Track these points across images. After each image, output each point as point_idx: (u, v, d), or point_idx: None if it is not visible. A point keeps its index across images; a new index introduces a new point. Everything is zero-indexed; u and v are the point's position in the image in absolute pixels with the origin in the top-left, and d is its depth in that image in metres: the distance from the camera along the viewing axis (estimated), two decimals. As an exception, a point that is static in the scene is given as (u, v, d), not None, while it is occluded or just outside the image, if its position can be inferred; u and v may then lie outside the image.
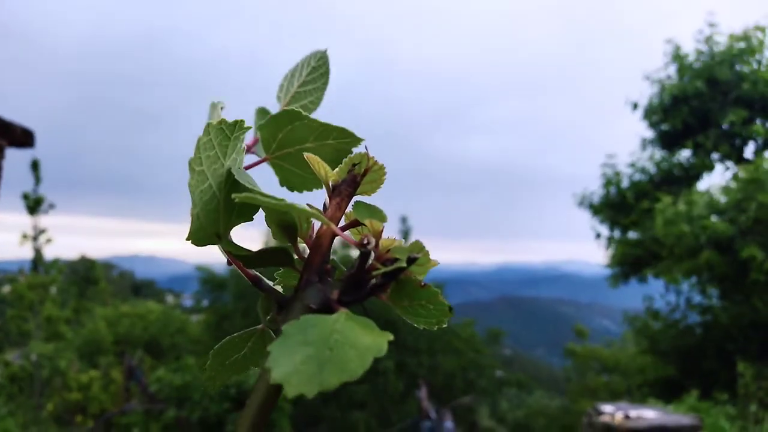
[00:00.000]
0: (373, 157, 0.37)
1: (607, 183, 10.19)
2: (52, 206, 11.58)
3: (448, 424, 6.41)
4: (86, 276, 17.19)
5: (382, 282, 0.35)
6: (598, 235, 10.32)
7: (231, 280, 10.76)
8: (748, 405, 5.72)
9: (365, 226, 0.35)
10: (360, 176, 0.37)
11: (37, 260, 11.41)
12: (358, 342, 0.28)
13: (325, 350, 0.27)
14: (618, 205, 9.99)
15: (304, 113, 0.39)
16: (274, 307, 0.38)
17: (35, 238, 11.41)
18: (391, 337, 0.29)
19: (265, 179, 0.38)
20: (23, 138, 3.92)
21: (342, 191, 0.36)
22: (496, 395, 14.46)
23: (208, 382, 0.42)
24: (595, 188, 10.51)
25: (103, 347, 10.69)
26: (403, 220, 15.49)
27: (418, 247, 0.34)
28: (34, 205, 11.39)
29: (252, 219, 0.38)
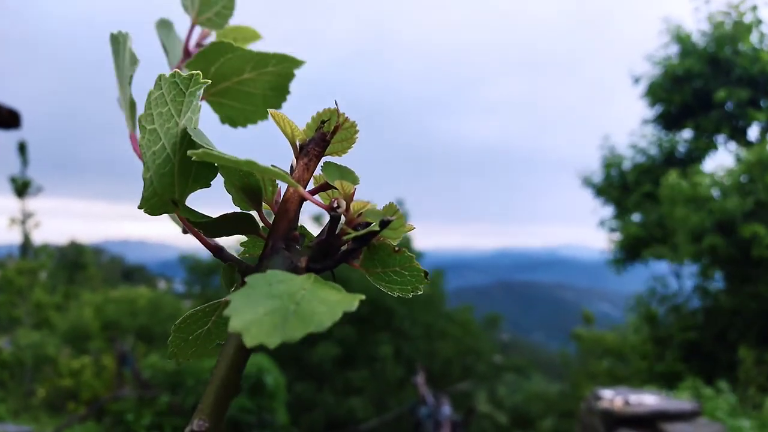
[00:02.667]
0: (344, 113, 0.34)
1: (608, 165, 10.19)
2: (40, 189, 11.53)
3: (446, 409, 6.46)
4: (75, 261, 17.20)
5: (353, 248, 0.34)
6: (602, 223, 10.33)
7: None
8: (748, 390, 5.79)
9: (336, 188, 0.33)
10: (329, 135, 0.35)
11: (26, 245, 11.39)
12: (327, 298, 0.27)
13: (291, 304, 0.26)
14: (620, 187, 10.01)
15: (235, 45, 0.37)
16: (239, 278, 0.36)
17: (23, 222, 11.37)
18: (362, 296, 0.27)
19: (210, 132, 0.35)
20: (9, 119, 3.88)
21: (310, 151, 0.34)
22: (494, 380, 14.60)
23: (170, 357, 0.41)
24: (596, 169, 10.52)
25: (91, 333, 10.73)
26: (399, 203, 15.46)
27: (392, 209, 0.32)
28: (21, 188, 11.34)
29: (209, 185, 0.36)
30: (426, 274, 0.34)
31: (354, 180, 0.34)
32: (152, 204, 0.33)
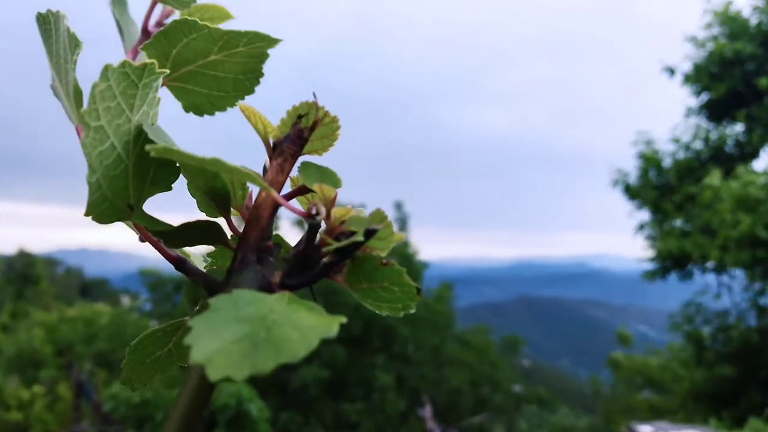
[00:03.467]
0: (323, 106, 0.35)
1: (644, 162, 10.17)
2: (-17, 191, 11.54)
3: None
4: (25, 274, 17.19)
5: (335, 260, 0.34)
6: (641, 227, 10.28)
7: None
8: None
9: (314, 192, 0.34)
10: (307, 131, 0.35)
11: (-33, 255, 11.40)
12: (302, 322, 0.27)
13: (261, 330, 0.26)
14: (659, 188, 9.99)
15: (201, 23, 0.37)
16: (204, 295, 0.37)
17: (-36, 230, 11.38)
18: (343, 319, 0.28)
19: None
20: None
21: (285, 150, 0.35)
22: (514, 413, 14.57)
23: (125, 383, 0.42)
24: (631, 168, 10.49)
25: (43, 359, 10.71)
26: (398, 206, 15.36)
27: (379, 216, 0.33)
28: (-39, 190, 11.34)
29: (170, 188, 0.36)
30: (418, 290, 0.34)
31: (335, 183, 0.34)
32: (102, 211, 0.33)
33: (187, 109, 0.42)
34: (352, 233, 0.33)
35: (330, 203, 0.34)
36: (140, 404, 6.43)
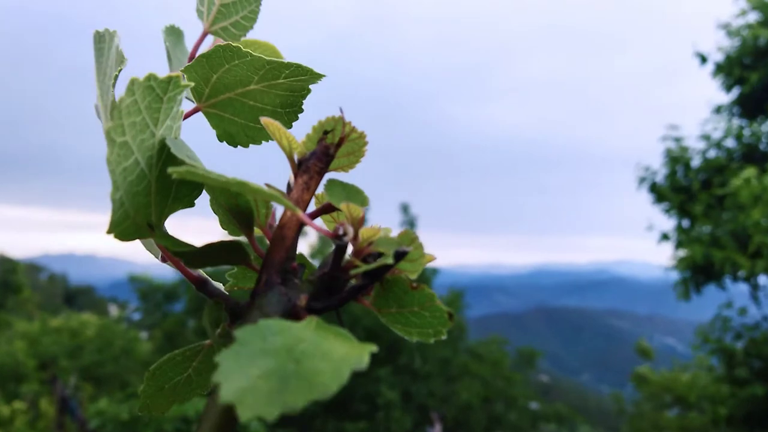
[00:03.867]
0: (350, 122, 0.36)
1: (672, 161, 10.12)
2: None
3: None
4: (6, 281, 17.24)
5: (363, 283, 0.35)
6: (665, 237, 10.21)
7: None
8: None
9: (341, 211, 0.35)
10: (334, 147, 0.36)
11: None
12: (332, 352, 0.28)
13: (290, 362, 0.26)
14: (687, 189, 9.94)
15: (244, 50, 0.38)
16: (226, 318, 0.37)
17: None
18: (374, 348, 0.28)
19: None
20: None
21: (311, 167, 0.36)
22: (530, 432, 14.54)
23: (143, 411, 0.42)
24: (657, 167, 10.42)
25: (25, 372, 10.74)
26: (404, 208, 15.30)
27: (409, 237, 0.34)
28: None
29: (193, 204, 0.37)
30: (450, 315, 0.35)
31: (363, 201, 0.35)
32: (124, 229, 0.34)
33: (220, 138, 0.43)
34: (381, 255, 0.34)
35: (358, 223, 0.35)
36: (129, 422, 6.44)
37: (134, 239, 0.36)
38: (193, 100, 0.41)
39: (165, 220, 0.37)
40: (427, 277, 14.16)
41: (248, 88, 0.40)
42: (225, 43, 0.40)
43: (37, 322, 13.33)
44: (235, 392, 0.25)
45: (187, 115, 0.41)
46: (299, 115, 0.45)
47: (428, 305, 0.35)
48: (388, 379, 11.52)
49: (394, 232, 0.35)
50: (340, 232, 0.34)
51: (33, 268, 26.56)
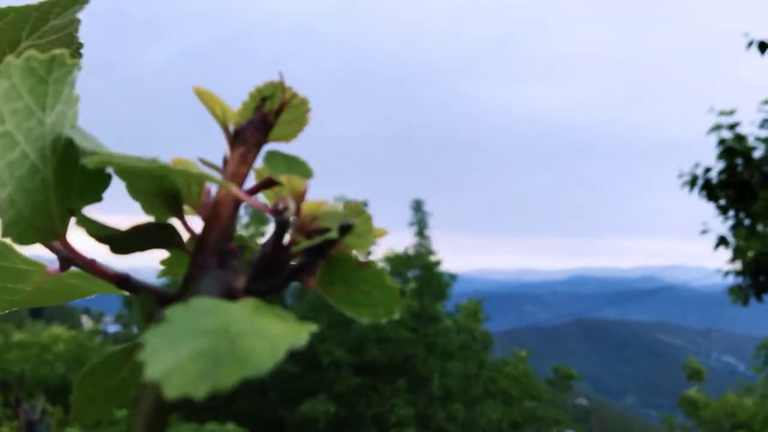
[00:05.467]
0: (291, 87, 0.37)
1: (727, 152, 10.03)
2: None
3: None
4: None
5: (306, 261, 0.36)
6: (722, 240, 10.11)
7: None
8: None
9: (282, 185, 0.36)
10: (272, 115, 0.38)
11: None
12: (268, 331, 0.29)
13: (223, 342, 0.28)
14: (746, 184, 9.86)
15: (3, 7, 0.39)
16: (158, 311, 0.38)
17: None
18: (314, 327, 0.29)
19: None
20: None
21: (248, 138, 0.37)
22: (565, 463, 14.50)
23: (76, 419, 0.43)
24: (710, 160, 10.32)
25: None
26: (417, 205, 15.19)
27: (356, 210, 0.35)
28: None
29: (101, 198, 0.38)
30: (402, 291, 0.36)
31: (306, 173, 0.36)
32: (20, 231, 0.35)
33: None
34: (326, 230, 0.35)
35: (300, 197, 0.36)
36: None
37: (34, 242, 0.37)
38: None
39: (69, 219, 0.37)
40: (442, 283, 14.16)
41: (20, 48, 0.41)
42: None
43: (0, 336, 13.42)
44: (162, 370, 0.26)
45: None
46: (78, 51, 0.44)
47: (378, 282, 0.36)
48: (401, 396, 11.53)
49: (338, 208, 0.36)
50: (280, 206, 0.35)
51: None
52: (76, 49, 0.44)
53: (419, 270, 14.42)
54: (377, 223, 0.37)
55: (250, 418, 11.19)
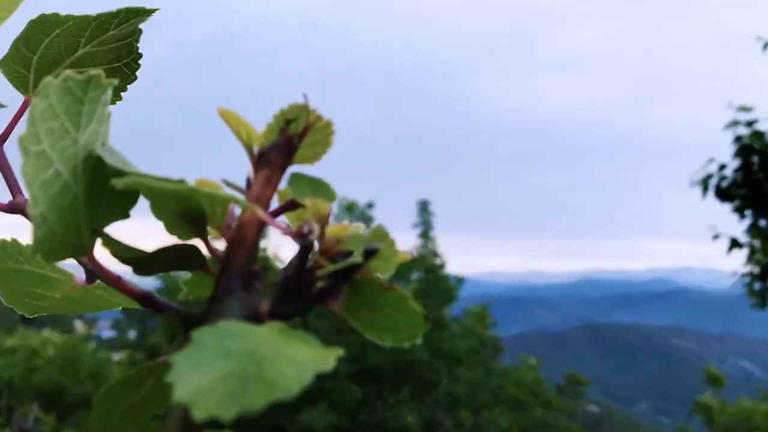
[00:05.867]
0: (315, 109, 0.38)
1: (743, 151, 10.00)
2: None
3: None
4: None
5: (330, 285, 0.37)
6: (735, 243, 10.07)
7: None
8: None
9: (306, 208, 0.37)
10: (297, 137, 0.39)
11: None
12: (295, 355, 0.30)
13: (250, 365, 0.29)
14: (760, 183, 9.83)
15: (63, 15, 0.40)
16: (182, 331, 0.40)
17: None
18: (340, 352, 0.31)
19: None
20: None
21: (272, 160, 0.38)
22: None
23: (94, 435, 0.45)
24: (724, 161, 10.29)
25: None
26: (422, 206, 15.13)
27: (380, 234, 0.36)
28: None
29: (128, 216, 0.39)
30: (426, 317, 0.37)
31: (329, 196, 0.37)
32: (51, 248, 0.36)
33: None
34: (350, 254, 0.36)
35: (324, 220, 0.37)
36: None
37: (65, 258, 0.38)
38: (22, 93, 0.44)
39: (98, 236, 0.39)
40: (448, 287, 14.14)
41: (77, 54, 0.42)
42: (39, 15, 0.42)
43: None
44: (191, 392, 0.27)
45: (19, 114, 0.43)
46: (139, 62, 0.46)
47: (402, 307, 0.37)
48: (407, 406, 11.52)
49: (362, 231, 0.37)
50: (305, 230, 0.36)
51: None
52: (133, 59, 0.46)
53: (423, 272, 14.41)
54: (381, 223, 0.38)
55: (249, 427, 11.21)
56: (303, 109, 0.39)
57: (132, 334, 14.22)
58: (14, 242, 0.44)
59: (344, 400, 11.13)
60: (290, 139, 0.38)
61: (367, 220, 14.19)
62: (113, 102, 0.47)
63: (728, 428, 11.80)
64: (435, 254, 14.74)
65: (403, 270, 14.31)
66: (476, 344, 13.67)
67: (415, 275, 14.30)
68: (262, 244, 0.39)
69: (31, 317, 0.48)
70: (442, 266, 14.54)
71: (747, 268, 9.89)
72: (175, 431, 0.33)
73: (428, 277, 14.19)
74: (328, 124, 0.39)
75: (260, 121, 0.39)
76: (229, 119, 0.38)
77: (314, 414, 10.69)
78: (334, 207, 0.38)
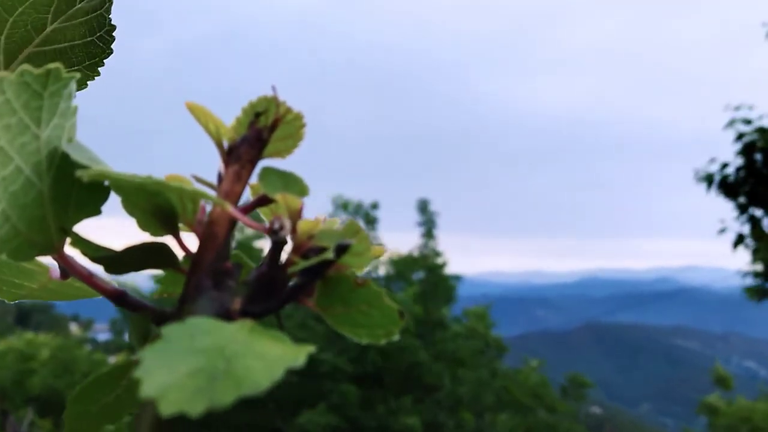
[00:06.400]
0: (285, 101, 0.38)
1: (747, 147, 10.02)
2: None
3: None
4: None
5: (303, 281, 0.37)
6: (740, 239, 10.09)
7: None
8: None
9: (278, 203, 0.37)
10: (267, 131, 0.39)
11: None
12: (265, 352, 0.31)
13: (220, 361, 0.29)
14: (765, 181, 9.84)
15: None
16: (154, 329, 0.40)
17: None
18: (311, 349, 0.31)
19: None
20: None
21: (242, 155, 0.38)
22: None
23: (67, 435, 0.45)
24: (728, 157, 10.30)
25: (-35, 403, 10.82)
26: (422, 205, 15.18)
27: (353, 229, 0.36)
28: None
29: (99, 212, 0.39)
30: (401, 313, 0.37)
31: (301, 191, 0.37)
32: (16, 246, 0.36)
33: None
34: (323, 249, 0.36)
35: (296, 215, 0.37)
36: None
37: (32, 258, 0.38)
38: None
39: (67, 234, 0.39)
40: (448, 286, 14.16)
41: (45, 32, 0.42)
42: None
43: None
44: (158, 387, 0.27)
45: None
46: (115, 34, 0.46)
47: (376, 303, 0.37)
48: (408, 409, 11.53)
49: (336, 225, 0.37)
50: (276, 226, 0.36)
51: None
52: (107, 32, 0.46)
53: (424, 272, 14.44)
54: (383, 224, 0.38)
55: (248, 430, 11.23)
56: (272, 102, 0.39)
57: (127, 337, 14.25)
58: None
59: (343, 401, 11.13)
60: (260, 133, 0.38)
61: (371, 220, 14.25)
62: (91, 79, 0.47)
63: (729, 428, 11.83)
64: (436, 254, 14.77)
65: (405, 270, 14.36)
66: (480, 345, 13.70)
67: (415, 276, 14.34)
68: (259, 243, 0.39)
69: (12, 303, 0.49)
70: (443, 266, 14.58)
71: (752, 267, 9.91)
72: (146, 427, 0.33)
73: (429, 277, 14.23)
74: (298, 117, 0.39)
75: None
76: (198, 113, 0.38)
77: (313, 416, 10.72)
78: (328, 205, 0.38)
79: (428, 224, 15.16)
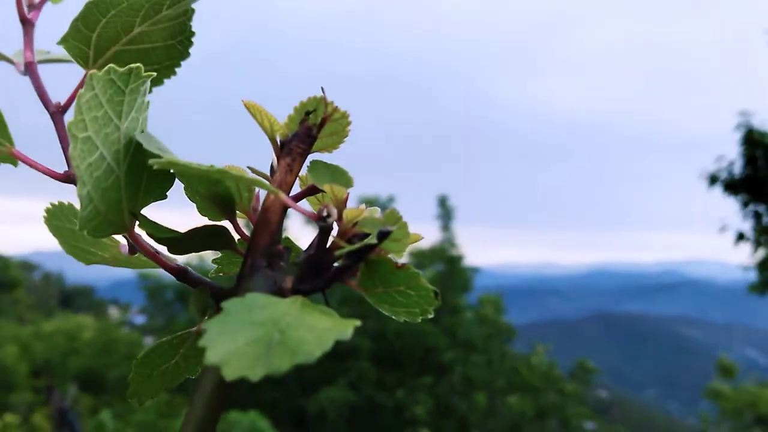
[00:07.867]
0: (333, 101, 0.40)
1: (750, 145, 9.92)
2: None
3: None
4: (-2, 280, 17.58)
5: (347, 264, 0.40)
6: (741, 236, 10.02)
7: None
8: None
9: (325, 192, 0.39)
10: (316, 128, 0.41)
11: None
12: (316, 325, 0.33)
13: (275, 332, 0.31)
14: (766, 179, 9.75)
15: None
16: (212, 304, 0.42)
17: None
18: (358, 322, 0.33)
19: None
20: None
21: (293, 149, 0.40)
22: (585, 456, 14.46)
23: (131, 397, 0.48)
24: (733, 156, 10.21)
25: (16, 380, 10.92)
26: (442, 200, 15.24)
27: (393, 217, 0.38)
28: None
29: (165, 196, 0.42)
30: (436, 293, 0.40)
31: (347, 182, 0.39)
32: (96, 225, 0.39)
33: None
34: (366, 235, 0.38)
35: (341, 204, 0.39)
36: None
37: (109, 235, 0.41)
38: (82, 66, 0.46)
39: (138, 214, 0.42)
40: (465, 276, 14.18)
41: (132, 33, 0.45)
42: None
43: (30, 326, 13.59)
44: (222, 354, 0.29)
45: (80, 87, 0.45)
46: (193, 40, 0.49)
47: (414, 284, 0.40)
48: (423, 389, 11.54)
49: (377, 214, 0.39)
50: (324, 213, 0.38)
51: (25, 266, 27.06)
52: (187, 37, 0.49)
53: (442, 264, 14.48)
54: (404, 216, 0.40)
55: (272, 407, 11.30)
56: (321, 101, 0.41)
57: (160, 321, 14.35)
58: (71, 206, 0.48)
59: (361, 377, 11.19)
60: (309, 129, 0.41)
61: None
62: (168, 76, 0.50)
63: (735, 412, 11.76)
64: (453, 245, 14.78)
65: (423, 261, 14.38)
66: (492, 330, 13.69)
67: (433, 267, 14.36)
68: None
69: (86, 265, 0.51)
70: (460, 258, 14.60)
71: (753, 261, 9.83)
72: (208, 390, 0.36)
73: (446, 269, 14.26)
74: (344, 115, 0.41)
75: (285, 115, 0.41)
76: (254, 111, 0.40)
77: (332, 391, 10.80)
78: (354, 203, 0.41)
79: (446, 218, 15.19)
